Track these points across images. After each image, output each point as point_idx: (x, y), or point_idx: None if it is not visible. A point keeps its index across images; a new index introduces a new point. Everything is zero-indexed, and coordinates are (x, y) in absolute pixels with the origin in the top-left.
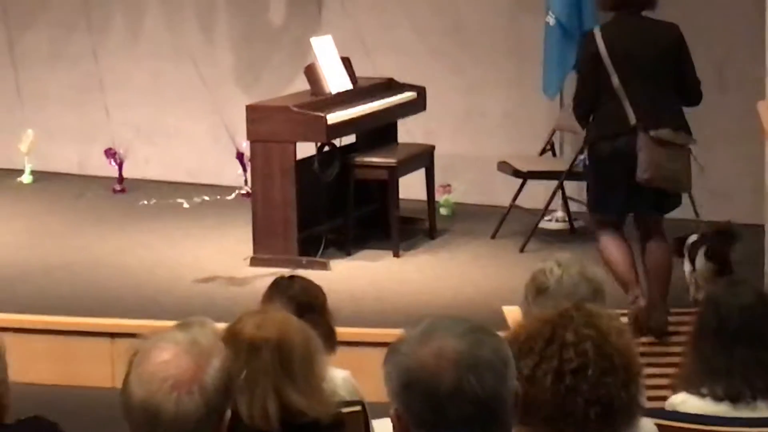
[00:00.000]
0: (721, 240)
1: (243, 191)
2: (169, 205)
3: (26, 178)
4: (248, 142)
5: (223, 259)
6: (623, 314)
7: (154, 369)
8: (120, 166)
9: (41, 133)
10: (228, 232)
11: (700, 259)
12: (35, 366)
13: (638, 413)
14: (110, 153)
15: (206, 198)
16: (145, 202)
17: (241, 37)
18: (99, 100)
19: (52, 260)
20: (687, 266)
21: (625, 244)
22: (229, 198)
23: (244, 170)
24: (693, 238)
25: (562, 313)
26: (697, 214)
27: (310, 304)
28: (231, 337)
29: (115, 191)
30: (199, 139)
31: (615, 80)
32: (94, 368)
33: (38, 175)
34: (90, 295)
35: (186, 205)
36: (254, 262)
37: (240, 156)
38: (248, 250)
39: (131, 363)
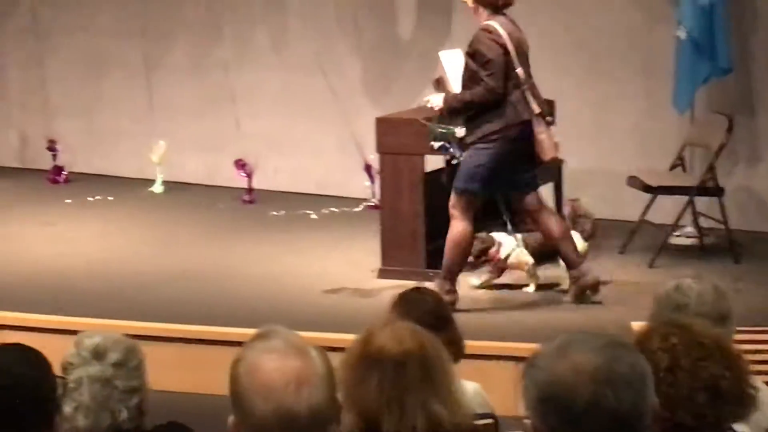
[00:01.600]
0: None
1: (370, 203)
2: (297, 216)
3: (157, 188)
4: (376, 154)
5: (351, 270)
6: None
7: (270, 378)
8: (249, 176)
9: (173, 143)
10: (355, 244)
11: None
12: (166, 374)
13: (752, 392)
14: (240, 164)
15: (334, 209)
16: (274, 213)
17: (370, 48)
18: (230, 111)
19: (183, 269)
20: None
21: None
22: (356, 209)
23: (372, 182)
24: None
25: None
26: None
27: (443, 317)
28: (366, 353)
29: (244, 202)
30: (328, 150)
31: (519, 70)
32: (220, 376)
33: (169, 185)
34: (219, 305)
35: (314, 216)
36: (382, 273)
37: (368, 168)
38: (376, 261)
39: (238, 383)
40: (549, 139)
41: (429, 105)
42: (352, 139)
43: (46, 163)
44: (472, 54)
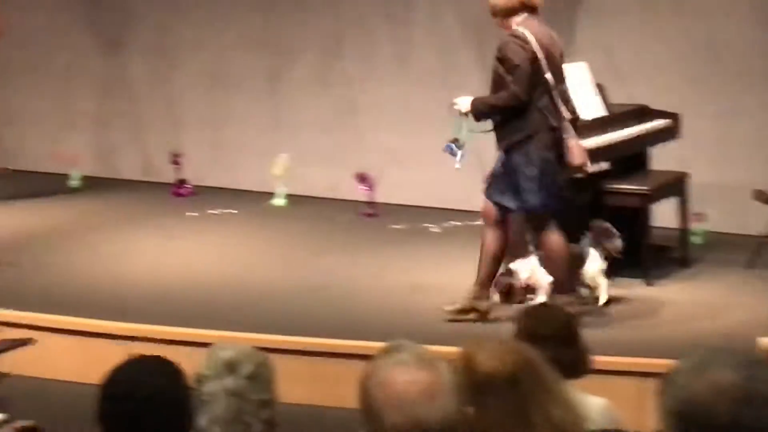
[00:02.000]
0: (608, 235)
1: None
2: (418, 230)
3: (279, 201)
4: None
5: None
6: None
7: (402, 391)
8: (371, 190)
9: (295, 157)
10: (476, 258)
11: (594, 259)
12: (294, 386)
13: None
14: (362, 177)
15: (455, 223)
16: (395, 227)
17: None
18: (353, 124)
19: (305, 282)
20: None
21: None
22: (477, 223)
23: None
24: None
25: None
26: None
27: (573, 332)
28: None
29: (365, 215)
30: (449, 164)
31: (549, 75)
32: (350, 390)
33: (291, 198)
34: (343, 318)
35: (435, 230)
36: None
37: None
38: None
39: (369, 396)
40: (578, 146)
41: (456, 107)
42: (474, 153)
43: (170, 176)
44: (500, 59)
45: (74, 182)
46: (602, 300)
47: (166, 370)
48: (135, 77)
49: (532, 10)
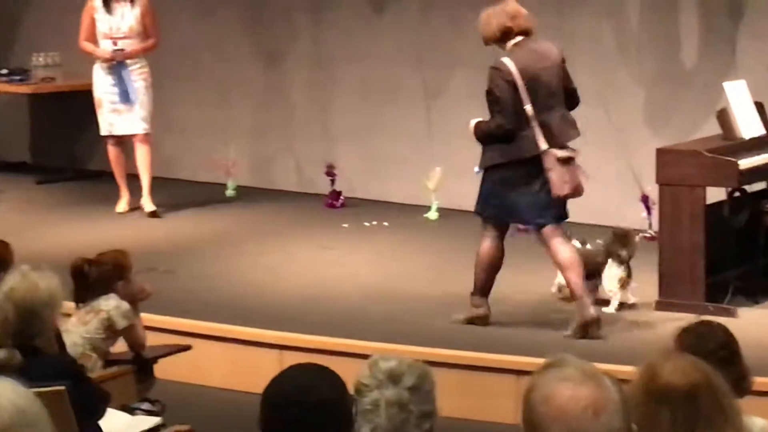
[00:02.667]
0: (628, 246)
1: (646, 234)
2: None
3: (432, 215)
4: (655, 185)
5: None
6: None
7: (567, 406)
8: None
9: (449, 170)
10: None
11: (611, 267)
12: (448, 399)
13: None
14: None
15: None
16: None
17: (651, 78)
18: None
19: (456, 296)
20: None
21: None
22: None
23: (648, 213)
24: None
25: None
26: None
27: (733, 351)
28: (653, 389)
29: (519, 230)
30: (604, 179)
31: (528, 107)
32: (500, 404)
33: (444, 212)
34: (493, 332)
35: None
36: (660, 306)
37: (645, 198)
38: (653, 293)
39: (532, 411)
40: (559, 177)
41: (469, 126)
42: (629, 170)
43: (324, 187)
44: (487, 91)
45: (230, 192)
46: (611, 308)
47: (329, 378)
48: (291, 88)
49: (522, 33)
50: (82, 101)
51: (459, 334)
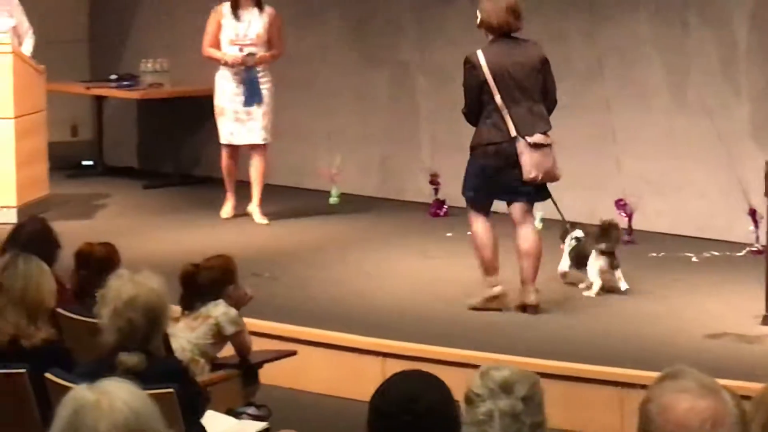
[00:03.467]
0: (609, 240)
1: (754, 248)
2: (676, 259)
3: (537, 224)
4: (763, 198)
5: (732, 316)
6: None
7: (685, 418)
8: (630, 217)
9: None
10: (737, 289)
11: (594, 258)
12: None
13: None
14: (620, 204)
15: (715, 253)
16: (653, 254)
17: (758, 90)
18: (611, 150)
19: (559, 307)
20: (565, 262)
21: (494, 232)
22: (738, 254)
23: (756, 227)
24: (573, 235)
25: None
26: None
27: None
28: None
29: (624, 242)
30: (710, 193)
31: (497, 98)
32: (603, 416)
33: (547, 222)
34: (593, 343)
35: (694, 260)
36: (766, 320)
37: (752, 212)
38: (759, 308)
39: (649, 422)
40: (528, 162)
41: None
42: (736, 183)
43: (427, 196)
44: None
45: (333, 199)
46: (591, 293)
47: (437, 385)
48: (396, 96)
49: (508, 31)
50: (189, 107)
51: (560, 345)
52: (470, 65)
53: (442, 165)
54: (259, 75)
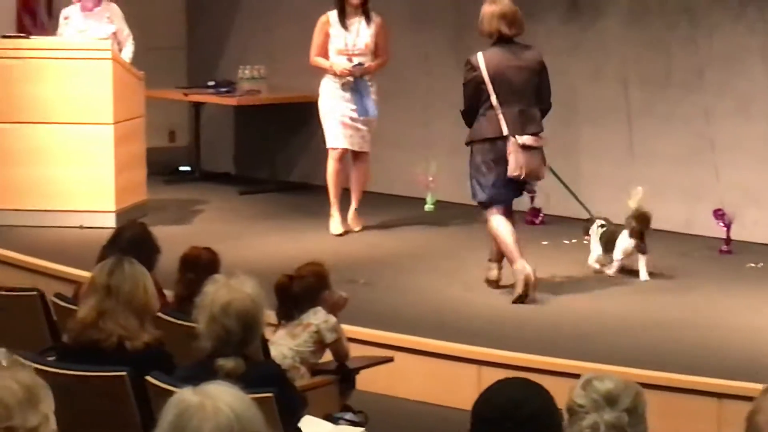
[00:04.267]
0: (641, 222)
1: None
2: None
3: None
4: None
5: None
6: None
7: None
8: (728, 227)
9: (651, 190)
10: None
11: (623, 237)
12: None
13: None
14: (718, 214)
15: None
16: (752, 265)
17: None
18: (708, 160)
19: (655, 317)
20: (595, 247)
21: (507, 220)
22: None
23: None
24: (599, 223)
25: None
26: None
27: None
28: None
29: (721, 252)
30: None
31: (493, 98)
32: (700, 427)
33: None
34: (694, 354)
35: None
36: None
37: None
38: None
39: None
40: (514, 159)
41: None
42: None
43: (524, 204)
44: None
45: (429, 206)
46: (611, 271)
47: (539, 392)
48: None
49: (507, 35)
50: (286, 114)
51: (656, 355)
52: (470, 66)
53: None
54: (368, 84)
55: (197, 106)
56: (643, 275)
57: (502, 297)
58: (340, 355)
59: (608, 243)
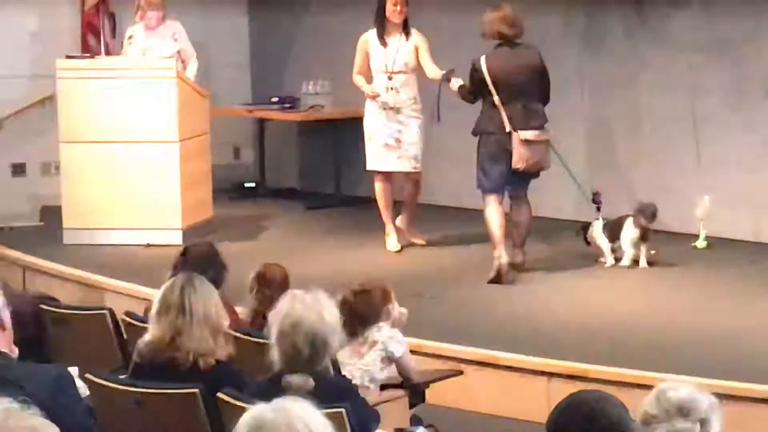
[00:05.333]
0: (645, 213)
1: None
2: None
3: (700, 243)
4: None
5: None
6: None
7: None
8: None
9: (718, 198)
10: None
11: (628, 227)
12: None
13: None
14: None
15: None
16: None
17: None
18: None
19: (722, 326)
20: (604, 243)
21: (501, 211)
22: None
23: None
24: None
25: None
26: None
27: None
28: None
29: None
30: None
31: (495, 97)
32: None
33: (712, 241)
34: (760, 365)
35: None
36: None
37: None
38: None
39: None
40: (518, 152)
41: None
42: None
43: (588, 215)
44: None
45: None
46: (624, 262)
47: (614, 403)
48: (558, 116)
49: (510, 38)
50: (351, 129)
51: (730, 364)
52: (473, 68)
53: (605, 183)
54: (409, 104)
55: (261, 123)
56: (643, 261)
57: (571, 308)
58: (408, 369)
59: (612, 231)
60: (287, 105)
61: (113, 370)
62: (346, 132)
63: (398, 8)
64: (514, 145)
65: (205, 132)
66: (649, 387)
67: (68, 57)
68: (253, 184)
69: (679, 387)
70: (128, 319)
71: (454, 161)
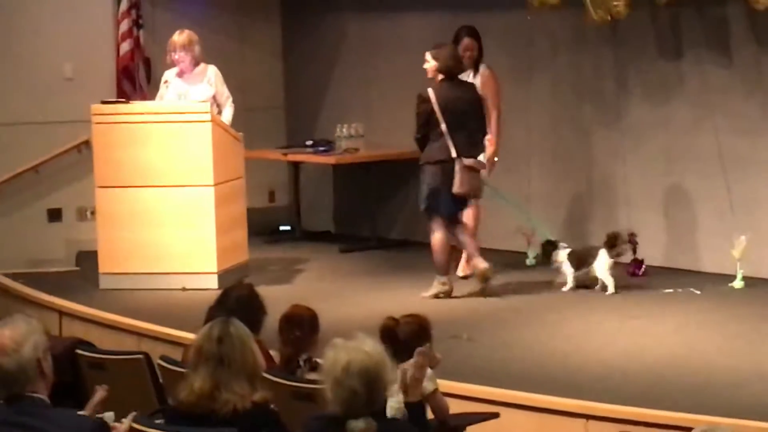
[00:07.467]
0: (618, 243)
1: None
2: None
3: (737, 284)
4: None
5: None
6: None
7: None
8: None
9: (753, 238)
10: None
11: (603, 257)
12: None
13: None
14: None
15: None
16: None
17: None
18: None
19: (762, 367)
20: (568, 269)
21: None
22: None
23: None
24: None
25: None
26: None
27: None
28: None
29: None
30: None
31: (443, 125)
32: None
33: (750, 281)
34: None
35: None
36: None
37: None
38: None
39: None
40: (459, 179)
41: None
42: None
43: (626, 256)
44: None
45: (530, 260)
46: (610, 290)
47: None
48: (593, 155)
49: (454, 73)
50: (385, 171)
51: (761, 408)
52: (422, 99)
53: (640, 224)
54: None
55: (296, 166)
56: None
57: (608, 349)
58: (441, 409)
59: (579, 260)
60: (322, 148)
61: (149, 415)
62: (380, 174)
63: None
64: (456, 170)
65: (240, 175)
66: (687, 429)
67: (103, 102)
68: (288, 227)
69: (717, 429)
70: (164, 363)
71: (489, 200)
